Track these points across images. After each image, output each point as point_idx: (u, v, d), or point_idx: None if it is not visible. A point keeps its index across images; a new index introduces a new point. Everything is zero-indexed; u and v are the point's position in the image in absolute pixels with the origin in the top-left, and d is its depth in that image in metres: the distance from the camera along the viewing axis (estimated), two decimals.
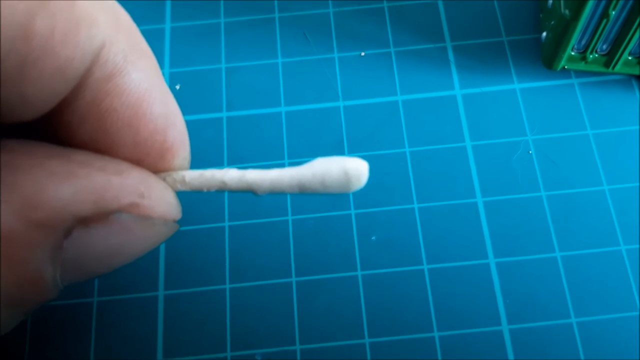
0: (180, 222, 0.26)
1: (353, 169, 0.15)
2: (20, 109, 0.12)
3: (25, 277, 0.12)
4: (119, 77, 0.14)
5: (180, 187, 0.16)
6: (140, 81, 0.14)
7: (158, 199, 0.15)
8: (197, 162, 0.26)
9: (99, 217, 0.13)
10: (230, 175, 0.16)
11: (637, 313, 0.24)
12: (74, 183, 0.13)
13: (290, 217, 0.26)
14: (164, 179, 0.16)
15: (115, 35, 0.13)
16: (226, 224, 0.26)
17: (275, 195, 0.26)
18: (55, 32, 0.11)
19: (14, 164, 0.12)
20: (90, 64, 0.13)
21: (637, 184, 0.26)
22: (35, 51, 0.11)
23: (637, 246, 0.25)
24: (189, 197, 0.26)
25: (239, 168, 0.26)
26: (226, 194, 0.26)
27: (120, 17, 0.14)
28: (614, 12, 0.24)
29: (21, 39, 0.11)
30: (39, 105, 0.13)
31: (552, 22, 0.26)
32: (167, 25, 0.30)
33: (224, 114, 0.28)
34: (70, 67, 0.12)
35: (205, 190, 0.16)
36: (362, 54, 0.29)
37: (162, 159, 0.16)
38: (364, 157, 0.27)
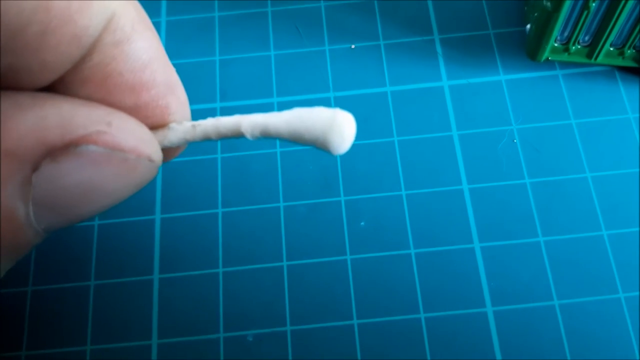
0: (175, 208, 0.27)
1: (341, 112, 0.15)
2: (38, 75, 0.13)
3: None
4: (126, 45, 0.14)
5: (172, 127, 0.16)
6: (146, 50, 0.15)
7: (128, 130, 0.14)
8: (191, 149, 0.27)
9: (65, 148, 0.13)
10: (220, 118, 0.16)
11: (618, 295, 0.25)
12: (40, 111, 0.13)
13: (281, 204, 0.27)
14: (157, 131, 0.16)
15: (125, 6, 0.14)
16: (219, 210, 0.27)
17: (268, 182, 0.27)
18: (73, 1, 0.12)
19: None
20: (102, 30, 0.13)
21: (619, 172, 0.27)
22: (55, 19, 0.12)
23: (619, 231, 0.26)
24: (183, 184, 0.27)
25: (233, 155, 0.26)
26: (219, 181, 0.27)
27: None
28: (594, 4, 0.25)
29: (42, 8, 0.12)
30: (55, 70, 0.13)
31: (536, 14, 0.27)
32: (163, 19, 0.31)
33: (217, 105, 0.29)
34: (85, 34, 0.13)
35: (196, 128, 0.16)
36: (353, 46, 0.30)
37: (162, 124, 0.16)
38: (353, 146, 0.27)
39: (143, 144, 0.14)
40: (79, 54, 0.13)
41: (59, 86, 0.14)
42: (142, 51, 0.15)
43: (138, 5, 0.15)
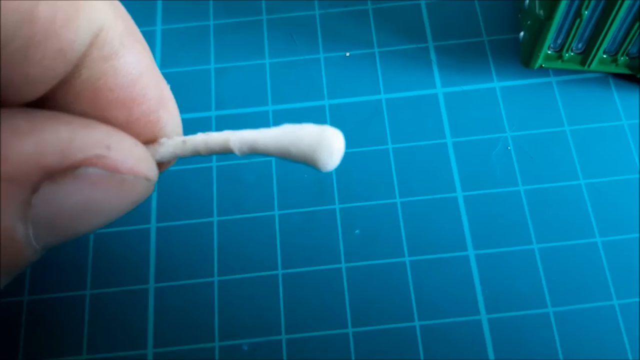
0: (170, 217, 0.27)
1: (329, 129, 0.15)
2: (23, 89, 0.13)
3: None
4: (115, 59, 0.14)
5: (163, 142, 0.16)
6: (136, 64, 0.15)
7: (126, 152, 0.14)
8: (186, 158, 0.27)
9: (65, 171, 0.13)
10: (210, 133, 0.16)
11: (612, 302, 0.25)
12: (39, 136, 0.13)
13: (276, 212, 0.27)
14: (149, 146, 0.16)
15: (113, 21, 0.14)
16: (215, 219, 0.27)
17: (263, 191, 0.27)
18: (58, 16, 0.12)
19: None
20: (89, 45, 0.13)
21: (613, 178, 0.27)
22: (39, 34, 0.12)
23: (612, 238, 0.26)
24: (178, 193, 0.27)
25: (228, 164, 0.27)
26: (214, 190, 0.27)
27: (117, 5, 0.15)
28: (587, 12, 0.25)
29: (26, 22, 0.12)
30: (41, 85, 0.13)
31: (529, 22, 0.27)
32: (158, 28, 0.31)
33: (213, 113, 0.29)
34: (71, 48, 0.13)
35: (187, 143, 0.16)
36: (347, 54, 0.30)
37: (154, 139, 0.16)
38: (348, 154, 0.28)
39: (140, 164, 0.15)
40: (64, 68, 0.13)
41: (51, 103, 0.14)
42: (132, 66, 0.15)
43: (127, 17, 0.15)
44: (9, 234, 0.13)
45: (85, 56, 0.14)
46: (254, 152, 0.15)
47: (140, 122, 0.15)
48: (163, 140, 0.16)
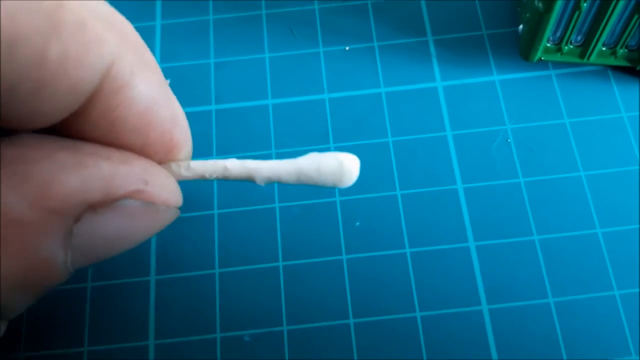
0: None
1: (347, 160, 0.17)
2: (35, 120, 0.13)
3: (37, 262, 0.13)
4: (127, 90, 0.15)
5: (184, 173, 0.17)
6: (147, 92, 0.15)
7: (161, 186, 0.16)
8: None
9: (106, 203, 0.14)
10: (232, 162, 0.17)
11: (612, 293, 0.25)
12: (83, 172, 0.14)
13: (277, 205, 0.27)
14: (170, 166, 0.17)
15: (123, 52, 0.14)
16: (215, 211, 0.27)
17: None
18: (68, 56, 0.12)
19: (26, 156, 0.13)
20: (100, 80, 0.14)
21: (613, 170, 0.27)
22: (50, 75, 0.12)
23: (613, 229, 0.26)
24: (181, 186, 0.27)
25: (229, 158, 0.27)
26: (215, 184, 0.27)
27: (126, 33, 0.15)
28: (585, 4, 0.25)
29: (36, 66, 0.12)
30: (52, 117, 0.14)
31: (528, 15, 0.27)
32: (158, 23, 0.31)
33: (213, 107, 0.29)
34: (82, 85, 0.13)
35: (207, 176, 0.17)
36: (347, 48, 0.30)
37: (169, 154, 0.17)
38: (348, 148, 0.28)
39: (172, 196, 0.16)
40: (76, 103, 0.14)
41: (69, 129, 0.15)
42: (144, 94, 0.15)
43: (137, 42, 0.16)
44: (49, 262, 0.13)
45: (97, 91, 0.14)
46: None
47: (157, 144, 0.16)
48: (183, 173, 0.17)
